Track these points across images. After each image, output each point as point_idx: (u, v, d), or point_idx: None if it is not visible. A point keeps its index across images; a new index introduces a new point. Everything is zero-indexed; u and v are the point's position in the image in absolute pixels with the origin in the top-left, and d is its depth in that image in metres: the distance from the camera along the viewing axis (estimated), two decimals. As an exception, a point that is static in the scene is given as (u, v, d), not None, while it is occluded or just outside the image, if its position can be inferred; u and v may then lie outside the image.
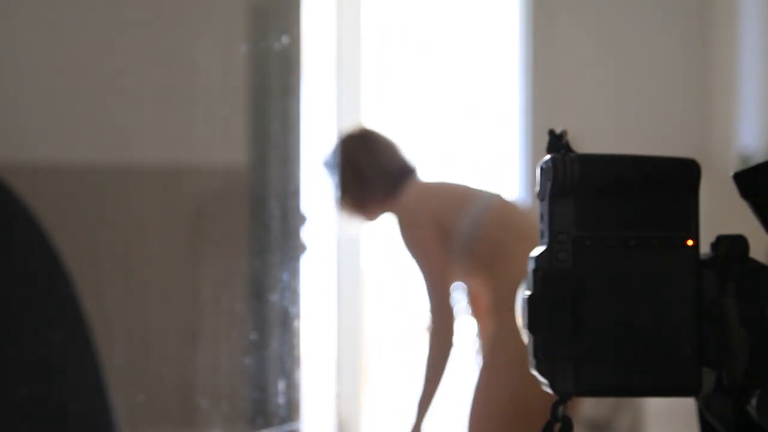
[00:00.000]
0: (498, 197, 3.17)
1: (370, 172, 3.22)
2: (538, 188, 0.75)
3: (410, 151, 3.32)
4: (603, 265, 0.73)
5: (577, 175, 0.73)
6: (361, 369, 4.84)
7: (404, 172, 3.23)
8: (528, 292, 0.74)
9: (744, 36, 5.05)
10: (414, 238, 3.11)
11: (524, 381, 2.93)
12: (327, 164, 3.28)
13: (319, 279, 3.99)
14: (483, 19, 5.26)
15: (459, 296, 3.20)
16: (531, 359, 0.74)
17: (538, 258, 0.73)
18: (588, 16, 5.25)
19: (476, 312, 3.19)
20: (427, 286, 3.10)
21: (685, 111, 5.25)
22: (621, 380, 0.73)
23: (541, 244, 0.74)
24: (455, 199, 3.14)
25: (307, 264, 3.39)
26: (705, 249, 0.75)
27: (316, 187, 3.33)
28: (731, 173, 0.75)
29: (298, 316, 3.14)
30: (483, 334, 3.18)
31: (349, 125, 3.90)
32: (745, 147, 4.87)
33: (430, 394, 3.16)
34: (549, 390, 0.73)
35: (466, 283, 3.15)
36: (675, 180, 0.74)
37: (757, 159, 4.48)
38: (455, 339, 3.13)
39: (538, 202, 0.75)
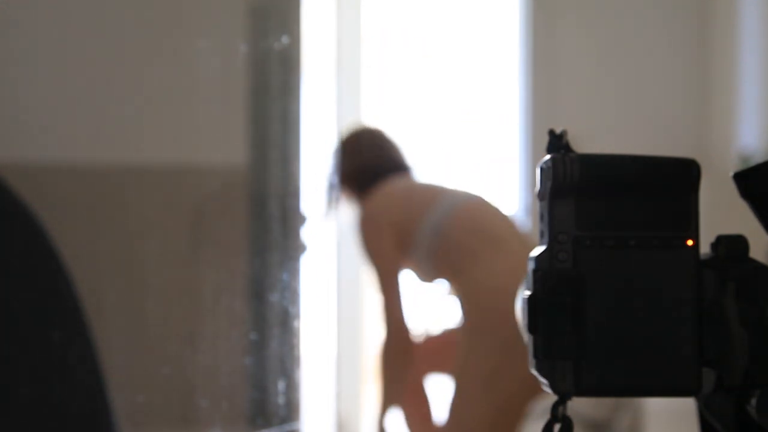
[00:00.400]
0: (470, 198, 3.12)
1: (345, 171, 3.25)
2: (538, 188, 0.75)
3: (402, 151, 3.31)
4: (603, 265, 0.73)
5: (577, 175, 0.73)
6: (361, 369, 4.84)
7: (381, 172, 3.22)
8: (528, 292, 0.74)
9: (744, 36, 5.05)
10: (368, 242, 3.12)
11: (497, 396, 2.94)
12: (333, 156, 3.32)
13: (319, 279, 3.99)
14: (483, 19, 5.25)
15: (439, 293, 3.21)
16: (531, 359, 0.74)
17: (538, 258, 0.73)
18: (588, 16, 5.25)
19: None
20: (379, 289, 3.11)
21: (685, 111, 5.25)
22: (621, 380, 0.73)
23: (541, 244, 0.75)
24: (421, 200, 3.12)
25: (307, 264, 3.39)
26: (705, 249, 0.75)
27: (316, 186, 3.33)
28: (731, 173, 0.75)
29: (298, 316, 3.14)
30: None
31: (349, 125, 3.90)
32: (745, 147, 4.87)
33: (390, 396, 3.17)
34: (549, 390, 0.73)
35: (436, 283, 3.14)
36: (675, 180, 0.74)
37: (757, 159, 4.48)
38: (408, 340, 3.12)
39: (538, 202, 0.75)
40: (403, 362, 3.16)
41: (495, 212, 3.13)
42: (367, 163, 3.25)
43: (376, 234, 3.10)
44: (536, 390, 2.92)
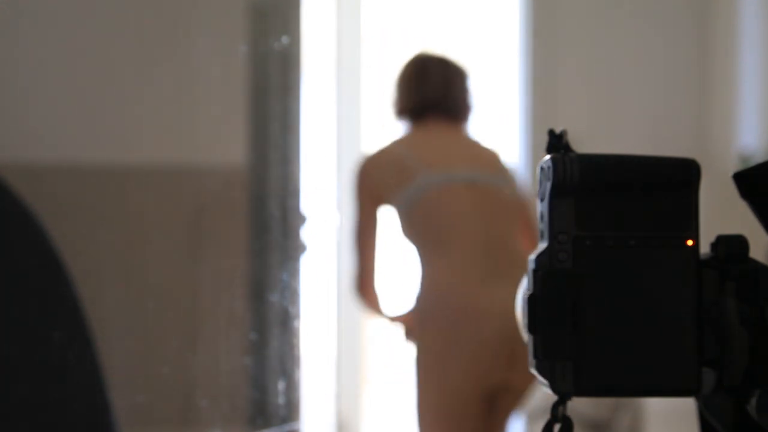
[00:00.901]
0: (456, 180, 3.07)
1: (394, 97, 3.23)
2: (537, 188, 0.75)
3: (447, 91, 3.26)
4: (603, 265, 0.73)
5: (576, 175, 0.73)
6: (361, 369, 4.84)
7: (419, 111, 3.18)
8: (528, 292, 0.74)
9: (744, 36, 5.05)
10: (355, 188, 3.09)
11: (441, 388, 2.93)
12: None
13: (319, 279, 3.99)
14: (483, 18, 5.25)
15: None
16: (531, 359, 0.74)
17: (538, 258, 0.73)
18: (588, 16, 5.25)
19: None
20: (354, 236, 3.08)
21: (685, 111, 5.25)
22: (621, 380, 0.73)
23: (540, 244, 0.74)
24: (406, 171, 3.05)
25: (307, 264, 3.39)
26: (705, 249, 0.75)
27: (316, 187, 3.33)
28: (731, 173, 0.75)
29: (298, 316, 3.14)
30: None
31: (348, 125, 3.90)
32: (745, 147, 4.87)
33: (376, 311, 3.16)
34: (549, 390, 0.73)
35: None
36: (675, 180, 0.73)
37: (757, 159, 4.48)
38: (372, 288, 3.10)
39: (538, 202, 0.75)
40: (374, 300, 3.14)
41: (484, 198, 3.06)
42: (413, 97, 3.22)
43: (361, 186, 3.07)
44: (487, 389, 2.90)
